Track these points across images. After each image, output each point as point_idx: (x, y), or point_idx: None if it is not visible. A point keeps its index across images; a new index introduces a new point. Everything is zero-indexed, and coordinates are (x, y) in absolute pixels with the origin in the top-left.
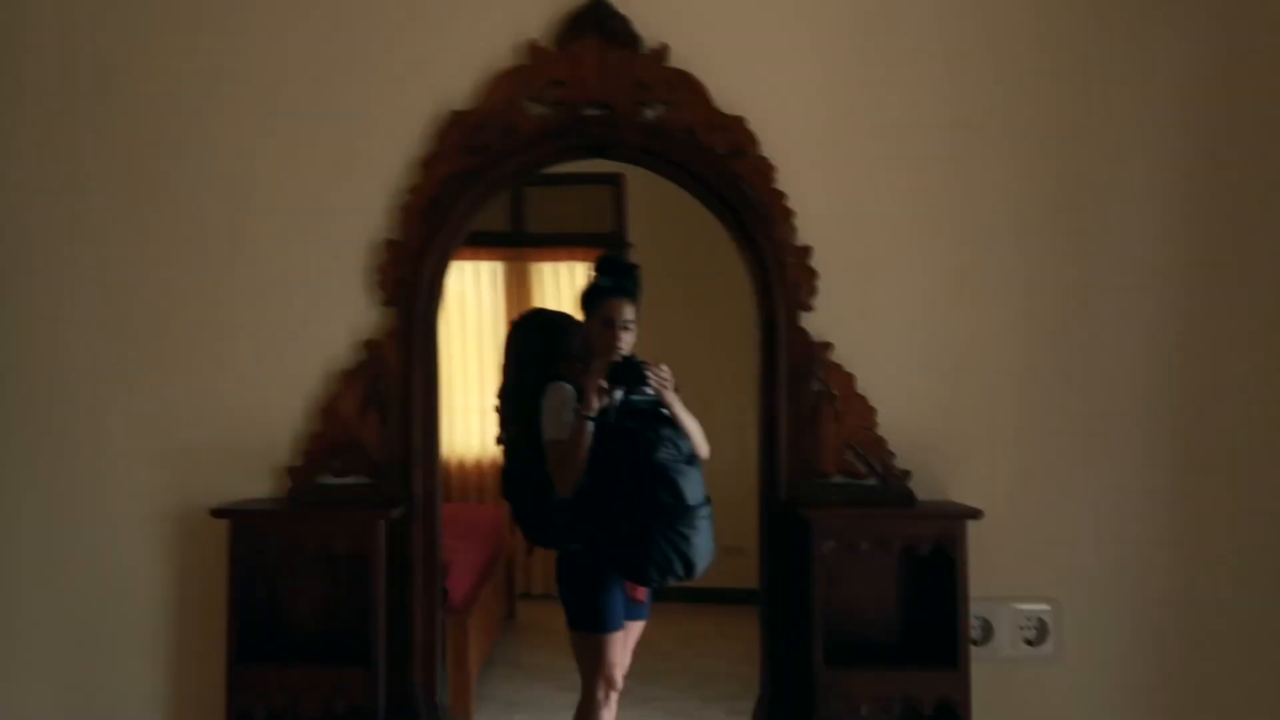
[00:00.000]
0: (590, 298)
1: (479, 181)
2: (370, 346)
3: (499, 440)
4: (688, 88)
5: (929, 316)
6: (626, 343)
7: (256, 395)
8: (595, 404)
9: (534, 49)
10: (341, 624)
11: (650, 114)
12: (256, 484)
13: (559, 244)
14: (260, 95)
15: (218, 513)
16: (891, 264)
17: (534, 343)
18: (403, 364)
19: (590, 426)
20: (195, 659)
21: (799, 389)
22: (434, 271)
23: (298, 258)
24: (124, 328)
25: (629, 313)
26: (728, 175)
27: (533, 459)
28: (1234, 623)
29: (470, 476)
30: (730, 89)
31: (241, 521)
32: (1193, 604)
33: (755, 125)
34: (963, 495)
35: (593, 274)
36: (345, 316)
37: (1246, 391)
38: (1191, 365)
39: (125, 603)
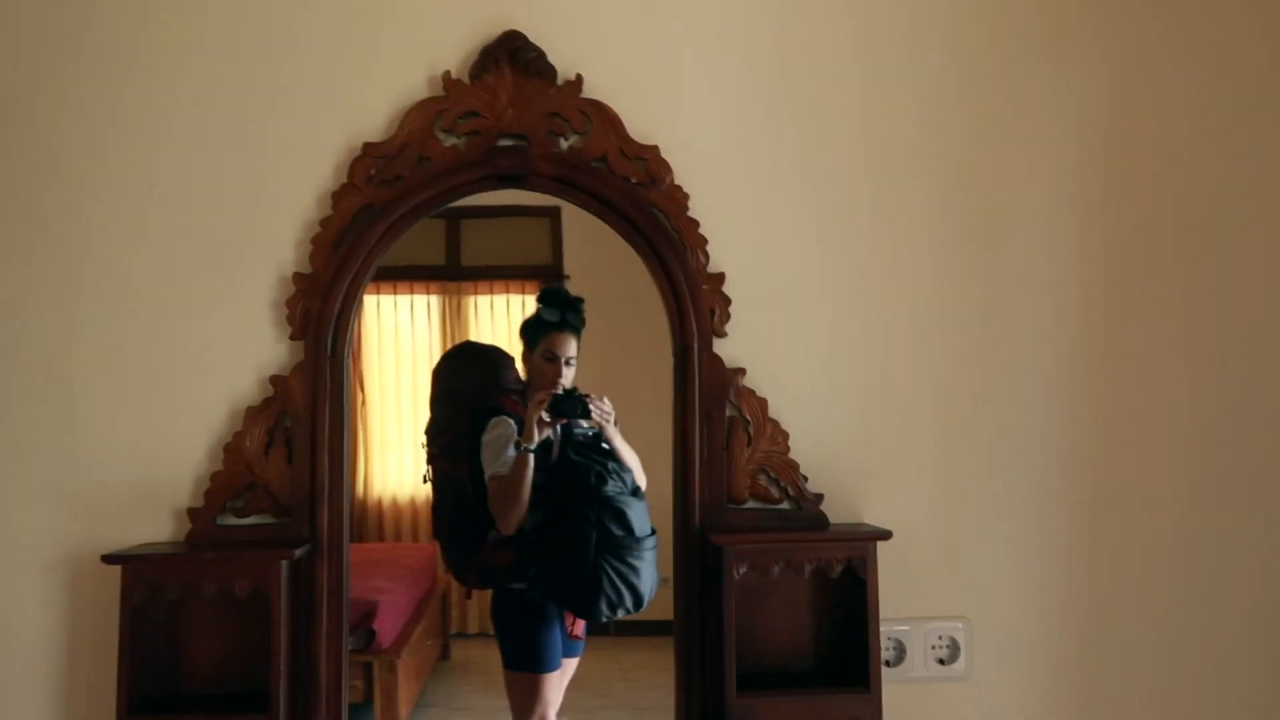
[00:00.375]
0: (532, 331)
1: (391, 213)
2: (277, 382)
3: (426, 478)
4: (602, 118)
5: (840, 340)
6: (569, 378)
7: (158, 434)
8: (536, 436)
9: (447, 81)
10: (243, 672)
11: (565, 144)
12: (156, 527)
13: (495, 277)
14: (167, 127)
15: (109, 559)
16: (803, 289)
17: (464, 376)
18: (310, 400)
19: (531, 460)
20: (84, 715)
21: (712, 415)
22: (344, 305)
23: (204, 292)
24: (13, 362)
25: (572, 348)
26: (642, 203)
27: (466, 497)
28: (1147, 639)
29: (403, 514)
30: (645, 119)
31: (134, 567)
32: (1104, 619)
33: (669, 154)
34: (876, 517)
35: (536, 306)
36: (252, 352)
37: (1157, 408)
38: (1101, 383)
39: (6, 656)
